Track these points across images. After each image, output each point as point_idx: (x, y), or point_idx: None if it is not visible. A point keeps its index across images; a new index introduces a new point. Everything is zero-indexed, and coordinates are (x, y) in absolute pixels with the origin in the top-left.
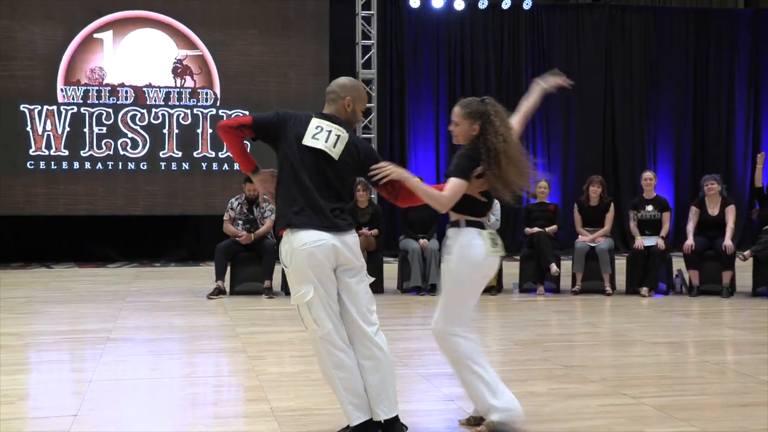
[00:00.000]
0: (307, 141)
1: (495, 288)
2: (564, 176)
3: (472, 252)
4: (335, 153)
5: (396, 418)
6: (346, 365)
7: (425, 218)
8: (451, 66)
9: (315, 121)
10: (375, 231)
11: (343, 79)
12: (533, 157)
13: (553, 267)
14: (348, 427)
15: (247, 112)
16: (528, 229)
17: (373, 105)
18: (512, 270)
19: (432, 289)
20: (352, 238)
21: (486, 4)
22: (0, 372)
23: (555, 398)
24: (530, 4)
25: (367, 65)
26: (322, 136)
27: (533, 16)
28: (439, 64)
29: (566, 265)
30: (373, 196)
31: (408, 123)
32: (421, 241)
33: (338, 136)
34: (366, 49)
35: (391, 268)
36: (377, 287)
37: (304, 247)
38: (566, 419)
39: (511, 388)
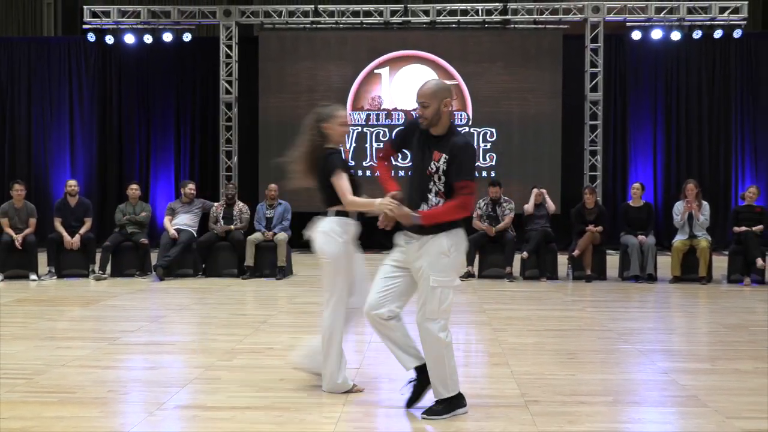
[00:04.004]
0: None
1: (705, 279)
2: None
3: None
4: None
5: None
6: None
7: (643, 217)
8: (668, 88)
9: None
10: (600, 228)
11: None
12: (741, 166)
13: (759, 261)
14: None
15: (494, 130)
16: (736, 228)
17: (599, 122)
18: (721, 263)
19: (649, 278)
20: None
21: (700, 34)
22: (307, 332)
23: (760, 375)
24: (740, 33)
25: (594, 89)
26: None
27: (743, 43)
28: (657, 87)
29: None
30: (598, 198)
31: (629, 138)
32: (640, 237)
33: None
34: (593, 75)
35: (612, 260)
36: (601, 275)
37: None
38: None
39: (719, 365)
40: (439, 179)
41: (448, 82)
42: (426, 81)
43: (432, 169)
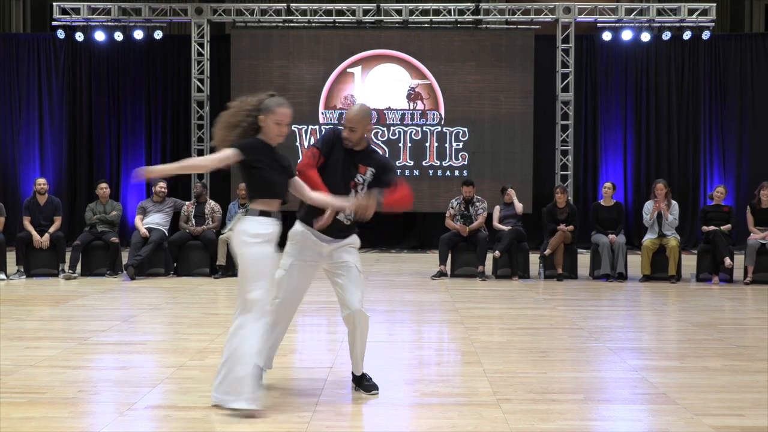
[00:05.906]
0: None
1: (674, 277)
2: (738, 182)
3: None
4: None
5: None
6: None
7: (614, 216)
8: (638, 89)
9: None
10: (571, 227)
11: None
12: (710, 166)
13: (727, 260)
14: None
15: (466, 130)
16: (705, 228)
17: (570, 122)
18: (690, 262)
19: (619, 277)
20: None
21: (669, 35)
22: None
23: (728, 373)
24: (708, 34)
25: (565, 89)
26: None
27: (711, 45)
28: (627, 87)
29: (739, 259)
30: (569, 198)
31: (599, 138)
32: (610, 236)
33: None
34: (564, 75)
35: (584, 258)
36: (572, 273)
37: None
38: (737, 391)
39: (688, 362)
40: (362, 190)
41: (370, 108)
42: (352, 106)
43: (358, 180)
